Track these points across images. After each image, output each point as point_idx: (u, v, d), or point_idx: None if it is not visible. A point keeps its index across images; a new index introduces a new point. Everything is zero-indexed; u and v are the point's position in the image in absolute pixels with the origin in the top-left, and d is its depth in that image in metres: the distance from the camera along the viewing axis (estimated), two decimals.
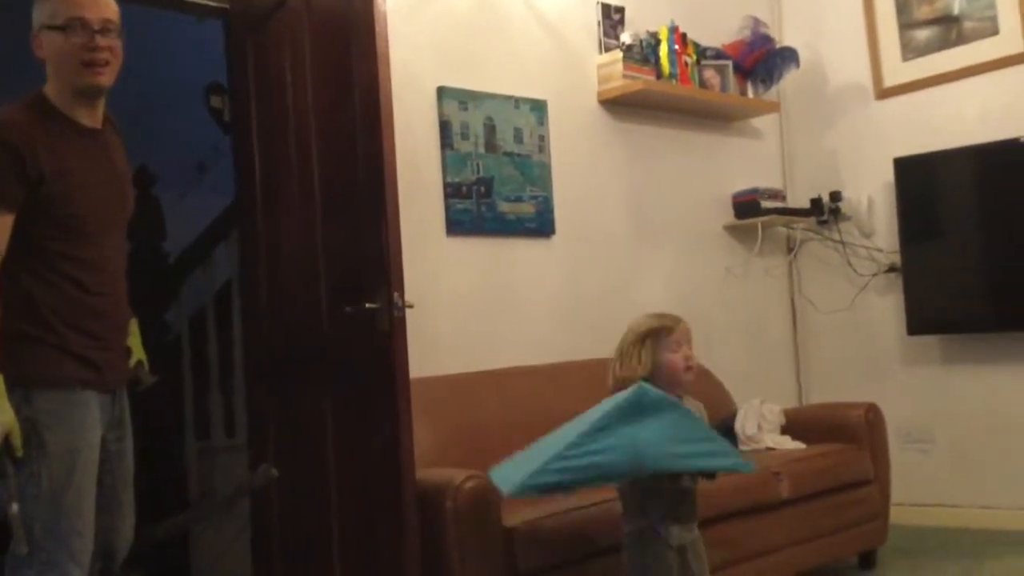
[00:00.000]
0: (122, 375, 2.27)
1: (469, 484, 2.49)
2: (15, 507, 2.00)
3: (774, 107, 4.61)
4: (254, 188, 2.96)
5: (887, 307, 4.50)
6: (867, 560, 3.64)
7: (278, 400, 2.87)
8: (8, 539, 2.04)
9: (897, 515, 3.83)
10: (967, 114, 4.25)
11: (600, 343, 3.86)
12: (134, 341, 2.35)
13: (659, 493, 2.44)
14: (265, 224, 2.93)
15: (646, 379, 2.44)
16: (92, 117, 2.19)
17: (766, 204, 4.48)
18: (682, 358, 2.50)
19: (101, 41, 2.11)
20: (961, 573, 3.52)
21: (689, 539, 2.47)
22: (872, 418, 3.64)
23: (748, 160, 4.65)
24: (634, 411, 2.31)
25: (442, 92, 3.49)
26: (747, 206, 4.49)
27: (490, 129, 3.62)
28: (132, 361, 2.33)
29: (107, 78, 2.15)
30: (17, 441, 1.98)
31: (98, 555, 2.16)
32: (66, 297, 2.09)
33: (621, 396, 2.36)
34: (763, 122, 4.73)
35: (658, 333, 2.52)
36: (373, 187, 2.45)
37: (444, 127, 3.49)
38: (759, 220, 4.47)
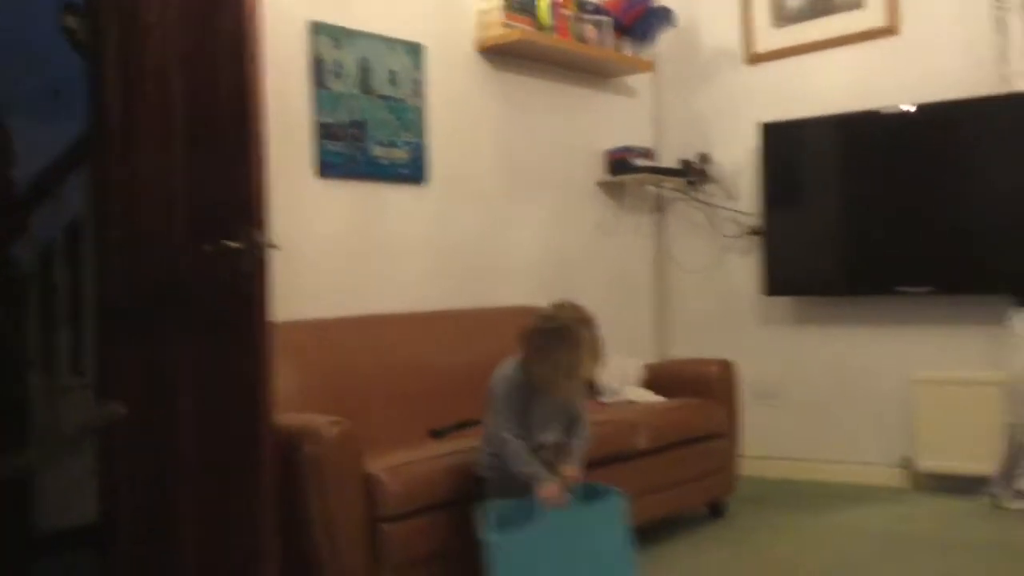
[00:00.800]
0: None
1: (332, 430, 2.46)
2: None
3: (648, 66, 4.67)
4: (109, 115, 2.79)
5: (747, 268, 4.66)
6: (716, 509, 3.80)
7: (130, 339, 2.75)
8: None
9: (746, 467, 4.01)
10: (833, 83, 4.41)
11: (470, 293, 3.88)
12: None
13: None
14: (121, 155, 2.77)
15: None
16: None
17: (637, 162, 4.55)
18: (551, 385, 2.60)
19: None
20: (801, 522, 3.72)
21: None
22: (726, 374, 3.78)
23: (622, 118, 4.70)
24: None
25: (315, 27, 3.38)
26: (619, 163, 4.55)
27: (365, 70, 3.53)
28: None
29: None
30: None
31: None
32: None
33: None
34: (638, 80, 4.78)
35: (548, 344, 2.57)
36: (238, 121, 2.35)
37: (317, 64, 3.38)
38: (630, 178, 4.54)
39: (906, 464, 4.22)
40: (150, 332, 2.67)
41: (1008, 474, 3.83)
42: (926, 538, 3.46)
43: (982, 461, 3.91)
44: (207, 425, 2.49)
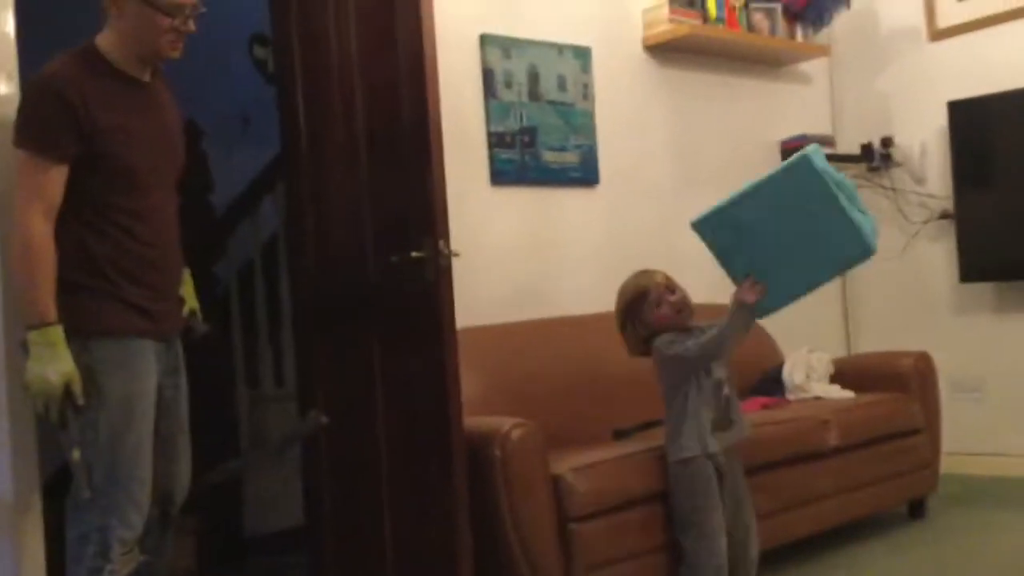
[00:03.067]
0: (176, 323, 2.30)
1: (517, 432, 2.50)
2: (76, 453, 2.06)
3: (824, 51, 4.51)
4: (299, 139, 2.96)
5: (939, 254, 4.42)
6: (917, 509, 3.62)
7: (325, 350, 2.90)
8: (70, 484, 2.10)
9: (948, 464, 3.79)
10: (1022, 56, 4.12)
11: None
12: (187, 290, 2.38)
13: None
14: (311, 175, 2.94)
15: (651, 340, 2.69)
16: (143, 70, 2.21)
17: None
18: (668, 309, 2.68)
19: (192, 25, 2.16)
20: (1011, 521, 3.49)
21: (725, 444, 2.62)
22: (923, 367, 3.60)
23: (797, 106, 4.57)
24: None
25: (485, 40, 3.46)
26: (795, 153, 4.41)
27: (533, 77, 3.58)
28: (185, 310, 2.37)
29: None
30: (77, 389, 2.02)
31: (156, 501, 2.21)
32: (120, 247, 2.13)
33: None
34: (812, 66, 4.63)
35: (635, 306, 2.72)
36: (418, 136, 2.44)
37: (487, 75, 3.46)
38: None
39: None
40: (343, 341, 2.82)
41: None
42: None
43: None
44: (401, 429, 2.59)
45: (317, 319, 2.93)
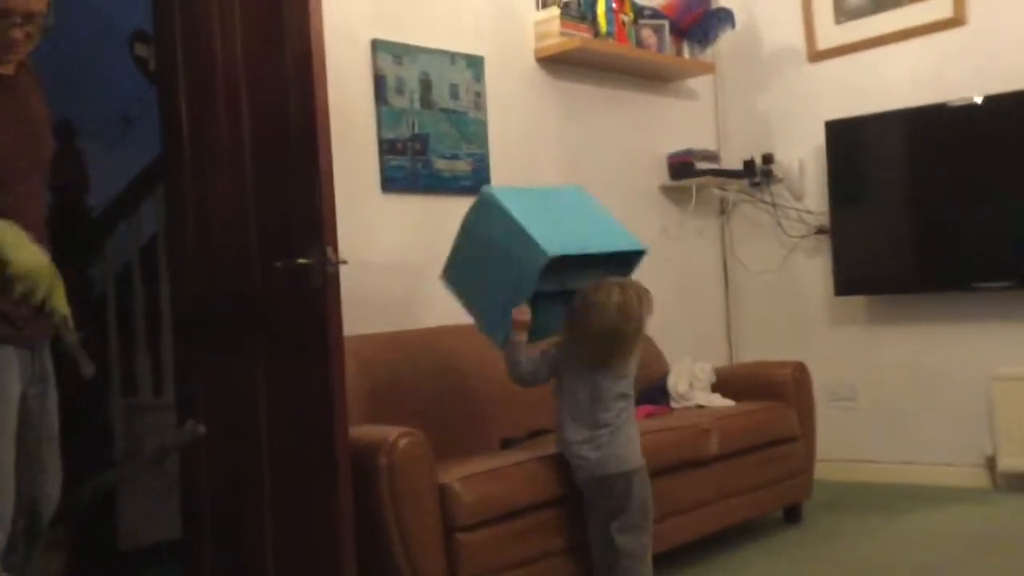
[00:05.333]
0: (43, 331, 2.19)
1: (403, 441, 2.48)
2: None
3: (709, 68, 4.64)
4: (181, 140, 2.87)
5: (815, 268, 4.59)
6: (792, 514, 3.74)
7: (207, 357, 2.82)
8: None
9: (822, 471, 3.94)
10: (898, 78, 4.33)
11: None
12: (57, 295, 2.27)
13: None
14: (193, 177, 2.85)
15: None
16: (2, 65, 2.09)
17: (700, 165, 4.51)
18: None
19: (17, 34, 2.01)
20: (882, 526, 3.64)
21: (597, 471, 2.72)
22: (799, 377, 3.72)
23: (683, 121, 4.68)
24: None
25: (376, 45, 3.43)
26: (682, 167, 4.52)
27: (426, 85, 3.57)
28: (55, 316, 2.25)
29: (14, 66, 2.07)
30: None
31: (21, 513, 2.10)
32: None
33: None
34: (698, 83, 4.75)
35: None
36: (306, 140, 2.40)
37: (379, 81, 3.43)
38: (693, 181, 4.50)
39: (988, 464, 4.11)
40: (225, 349, 2.74)
41: None
42: (1011, 539, 3.36)
43: None
44: (284, 438, 2.54)
45: (198, 325, 2.84)
